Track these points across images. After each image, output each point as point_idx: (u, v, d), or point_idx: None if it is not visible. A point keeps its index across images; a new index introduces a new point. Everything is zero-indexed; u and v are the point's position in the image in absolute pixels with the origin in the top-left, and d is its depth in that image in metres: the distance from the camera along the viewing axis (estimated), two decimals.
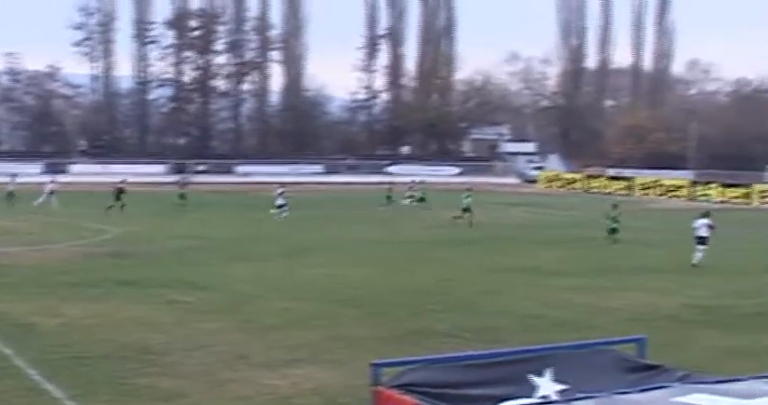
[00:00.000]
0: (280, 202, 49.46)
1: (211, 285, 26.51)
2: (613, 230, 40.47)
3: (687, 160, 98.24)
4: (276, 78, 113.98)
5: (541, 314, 22.94)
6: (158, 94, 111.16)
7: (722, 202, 72.12)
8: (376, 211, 54.87)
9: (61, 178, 65.60)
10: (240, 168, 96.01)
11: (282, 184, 51.89)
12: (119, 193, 52.00)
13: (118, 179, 55.22)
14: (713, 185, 77.79)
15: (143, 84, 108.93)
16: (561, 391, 7.61)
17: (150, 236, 39.60)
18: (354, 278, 28.55)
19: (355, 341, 19.33)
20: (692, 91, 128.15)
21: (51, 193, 54.88)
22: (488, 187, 72.39)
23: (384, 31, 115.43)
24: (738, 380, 6.88)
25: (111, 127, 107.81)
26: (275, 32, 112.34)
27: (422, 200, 58.78)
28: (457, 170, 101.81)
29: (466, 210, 47.95)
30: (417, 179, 65.56)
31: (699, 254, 33.62)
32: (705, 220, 34.86)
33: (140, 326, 20.73)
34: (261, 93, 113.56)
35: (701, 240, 34.07)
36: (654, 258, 35.39)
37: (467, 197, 48.38)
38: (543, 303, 24.52)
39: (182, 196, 56.41)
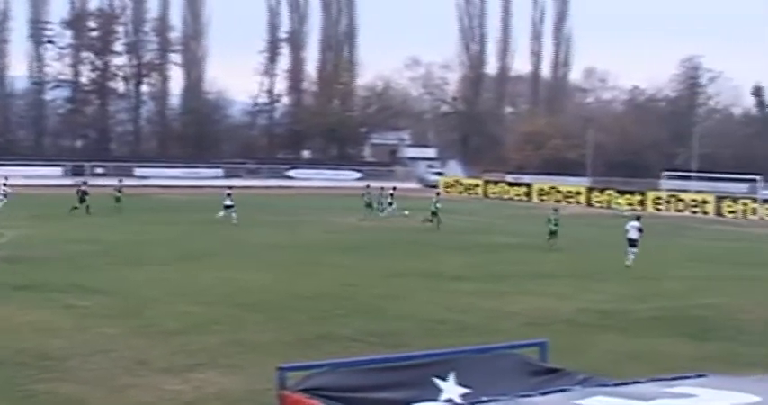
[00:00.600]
0: (228, 203, 49.49)
1: (110, 290, 26.12)
2: (553, 233, 42.13)
3: (584, 167, 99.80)
4: (176, 81, 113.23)
5: (444, 318, 23.05)
6: (55, 95, 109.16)
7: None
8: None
9: None
10: (139, 171, 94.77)
11: (230, 187, 52.29)
12: (83, 194, 53.04)
13: (80, 181, 57.34)
14: (610, 192, 79.16)
15: (39, 84, 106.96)
16: (465, 395, 7.64)
17: (47, 240, 38.93)
18: (256, 282, 28.44)
19: (258, 346, 19.24)
20: (590, 99, 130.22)
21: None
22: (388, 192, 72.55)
23: (285, 35, 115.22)
24: (637, 382, 6.86)
25: (4, 128, 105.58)
26: (175, 34, 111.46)
27: (369, 205, 57.73)
28: (358, 175, 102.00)
29: (434, 213, 49.88)
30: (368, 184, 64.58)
31: (631, 255, 35.82)
32: (636, 223, 37.16)
33: (38, 331, 20.36)
34: (161, 95, 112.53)
35: (632, 242, 36.21)
36: (553, 263, 35.87)
37: (436, 202, 50.45)
38: (446, 308, 24.65)
39: (117, 200, 56.54)
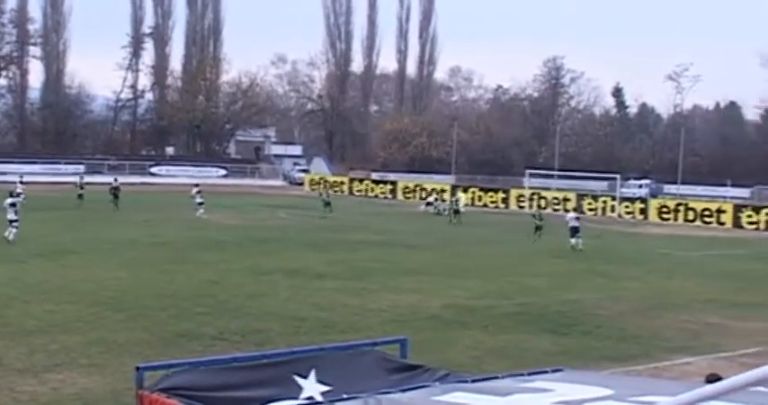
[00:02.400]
0: (199, 200, 51.41)
1: None
2: (538, 228, 46.25)
3: (449, 165, 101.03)
4: (36, 74, 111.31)
5: (307, 316, 23.07)
6: None
7: (484, 205, 74.73)
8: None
9: None
10: None
11: (196, 185, 54.34)
12: (115, 190, 55.33)
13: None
14: (467, 190, 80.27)
15: None
16: (325, 393, 7.72)
17: None
18: (116, 280, 28.10)
19: (118, 345, 19.06)
20: (455, 98, 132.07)
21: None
22: (254, 189, 72.35)
23: (149, 29, 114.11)
24: (496, 378, 7.06)
25: None
26: (35, 26, 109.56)
27: (328, 204, 59.18)
28: (223, 172, 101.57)
29: (456, 212, 54.17)
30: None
31: (579, 241, 41.17)
32: (573, 214, 43.89)
33: None
34: (19, 89, 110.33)
35: (575, 230, 41.49)
36: (416, 261, 36.16)
37: (456, 201, 55.83)
38: (309, 305, 24.69)
39: (80, 196, 57.45)
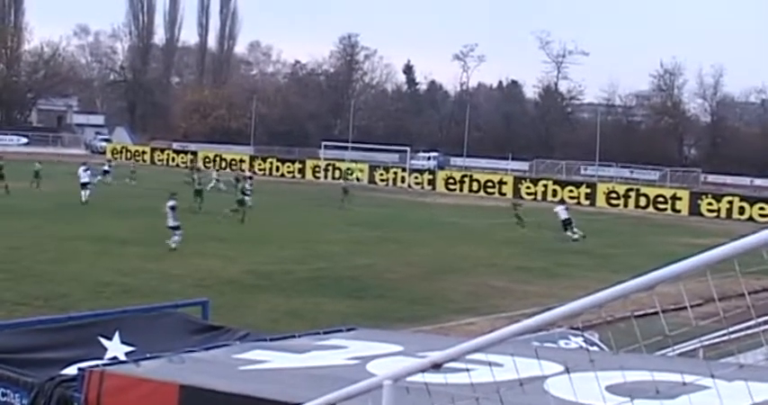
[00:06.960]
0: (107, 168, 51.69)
1: None
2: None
3: (248, 136, 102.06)
4: None
5: (111, 281, 23.44)
6: None
7: (281, 175, 76.10)
8: None
9: None
10: None
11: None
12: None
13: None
14: (266, 160, 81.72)
15: None
16: (129, 353, 7.88)
17: None
18: None
19: None
20: (254, 72, 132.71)
21: None
22: (57, 158, 71.08)
23: None
24: (293, 337, 7.51)
25: None
26: None
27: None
28: (24, 140, 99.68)
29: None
30: None
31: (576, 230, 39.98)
32: (562, 206, 42.56)
33: None
34: None
35: (568, 222, 40.35)
36: (220, 228, 37.00)
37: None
38: (113, 271, 24.99)
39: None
